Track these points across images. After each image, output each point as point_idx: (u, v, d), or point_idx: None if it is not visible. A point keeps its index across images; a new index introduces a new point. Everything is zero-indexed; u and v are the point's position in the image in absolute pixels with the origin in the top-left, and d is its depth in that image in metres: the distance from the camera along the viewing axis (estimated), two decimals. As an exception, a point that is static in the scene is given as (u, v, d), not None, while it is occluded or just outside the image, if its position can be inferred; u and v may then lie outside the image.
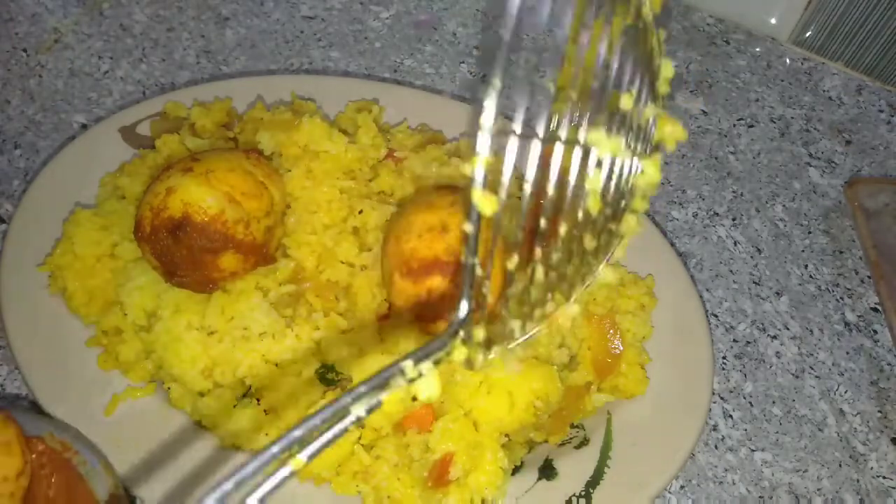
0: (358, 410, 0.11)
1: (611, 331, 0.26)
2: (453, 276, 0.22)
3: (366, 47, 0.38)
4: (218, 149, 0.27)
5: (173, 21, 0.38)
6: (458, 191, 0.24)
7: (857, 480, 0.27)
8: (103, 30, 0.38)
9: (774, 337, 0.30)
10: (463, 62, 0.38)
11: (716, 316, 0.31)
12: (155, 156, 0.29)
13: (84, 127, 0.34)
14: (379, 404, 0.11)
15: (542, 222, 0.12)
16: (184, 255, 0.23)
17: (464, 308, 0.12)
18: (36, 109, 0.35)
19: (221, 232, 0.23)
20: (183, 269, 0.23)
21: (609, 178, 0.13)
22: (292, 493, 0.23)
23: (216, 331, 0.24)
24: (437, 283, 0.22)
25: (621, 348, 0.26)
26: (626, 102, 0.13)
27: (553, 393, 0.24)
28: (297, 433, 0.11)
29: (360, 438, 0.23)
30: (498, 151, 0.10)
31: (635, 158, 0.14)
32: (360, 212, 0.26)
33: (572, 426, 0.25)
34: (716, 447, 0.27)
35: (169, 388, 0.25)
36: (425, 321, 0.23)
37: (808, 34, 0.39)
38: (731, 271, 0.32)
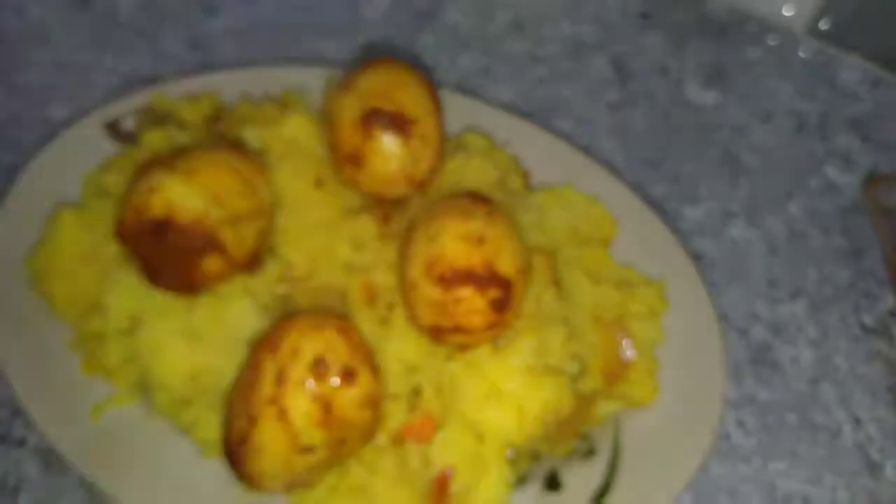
0: None
1: (620, 336, 0.25)
2: (485, 291, 0.21)
3: (361, 37, 0.36)
4: (204, 145, 0.26)
5: (160, 11, 0.37)
6: (491, 202, 0.23)
7: (873, 490, 0.26)
8: (88, 21, 0.36)
9: (789, 341, 0.29)
10: (464, 53, 0.36)
11: (729, 319, 0.29)
12: (140, 151, 0.28)
13: (68, 122, 0.33)
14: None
15: None
16: (166, 257, 0.22)
17: None
18: (19, 104, 0.33)
19: (206, 232, 0.22)
20: (166, 272, 0.22)
21: None
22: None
23: (202, 336, 0.23)
24: (468, 294, 0.21)
25: (633, 354, 0.25)
26: None
27: (564, 404, 0.23)
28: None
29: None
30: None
31: None
32: (356, 216, 0.25)
33: (579, 436, 0.24)
34: (728, 457, 0.26)
35: (153, 396, 0.24)
36: (443, 332, 0.22)
37: (823, 25, 0.37)
38: (744, 273, 0.31)
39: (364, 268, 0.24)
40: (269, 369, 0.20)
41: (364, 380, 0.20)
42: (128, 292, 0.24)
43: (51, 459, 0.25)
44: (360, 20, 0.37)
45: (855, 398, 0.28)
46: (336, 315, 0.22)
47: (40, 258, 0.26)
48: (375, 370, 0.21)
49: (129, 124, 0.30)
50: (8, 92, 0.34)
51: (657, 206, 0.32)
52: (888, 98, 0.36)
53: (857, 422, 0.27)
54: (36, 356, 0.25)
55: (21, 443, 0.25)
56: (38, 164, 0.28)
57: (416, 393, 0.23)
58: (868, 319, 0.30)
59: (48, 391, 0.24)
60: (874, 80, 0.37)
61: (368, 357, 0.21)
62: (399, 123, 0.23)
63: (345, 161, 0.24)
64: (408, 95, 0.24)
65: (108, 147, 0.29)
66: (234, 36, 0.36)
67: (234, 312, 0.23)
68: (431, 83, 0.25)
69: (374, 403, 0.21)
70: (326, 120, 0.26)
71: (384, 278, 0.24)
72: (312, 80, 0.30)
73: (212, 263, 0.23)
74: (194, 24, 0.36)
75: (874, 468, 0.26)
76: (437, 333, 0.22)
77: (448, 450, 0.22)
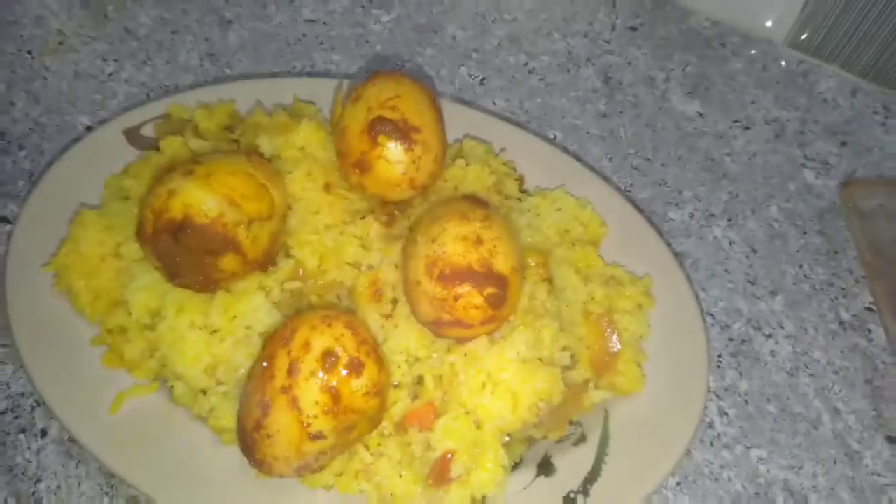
0: None
1: (608, 329, 0.26)
2: (483, 288, 0.22)
3: (367, 50, 0.38)
4: (220, 151, 0.28)
5: (177, 24, 0.39)
6: (488, 205, 0.25)
7: (853, 477, 0.27)
8: (107, 32, 0.38)
9: (769, 336, 0.30)
10: (462, 65, 0.38)
11: (711, 315, 0.31)
12: (158, 157, 0.29)
13: (88, 129, 0.35)
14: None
15: None
16: (185, 257, 0.23)
17: None
18: (40, 111, 0.35)
19: (222, 234, 0.23)
20: (184, 271, 0.24)
21: None
22: (295, 496, 0.23)
23: (219, 330, 0.25)
24: (466, 291, 0.22)
25: (619, 347, 0.26)
26: None
27: (556, 394, 0.24)
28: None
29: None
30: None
31: None
32: (363, 218, 0.26)
33: (571, 423, 0.25)
34: (712, 444, 0.27)
35: (172, 386, 0.25)
36: (443, 326, 0.23)
37: (803, 37, 0.39)
38: (726, 271, 0.32)
39: (370, 266, 0.26)
40: (281, 361, 0.21)
41: (370, 371, 0.22)
42: (148, 290, 0.25)
43: (71, 449, 0.26)
44: (366, 34, 0.39)
45: (833, 390, 0.29)
46: (344, 310, 0.24)
47: (63, 257, 0.27)
48: (381, 361, 0.23)
49: (148, 131, 0.31)
50: (30, 100, 0.35)
51: (644, 209, 0.34)
52: (865, 106, 0.38)
53: (836, 412, 0.28)
54: (57, 351, 0.26)
55: (42, 433, 0.26)
56: (61, 169, 0.30)
57: (419, 383, 0.25)
58: (845, 315, 0.31)
59: (69, 384, 0.25)
60: (852, 89, 0.38)
61: (374, 349, 0.23)
62: (402, 132, 0.25)
63: (352, 167, 0.26)
64: (411, 105, 0.26)
65: (128, 153, 0.31)
66: (247, 49, 0.38)
67: (248, 308, 0.25)
68: (433, 93, 0.27)
69: (380, 392, 0.22)
70: (335, 128, 0.27)
71: (388, 276, 0.25)
72: (322, 90, 0.32)
73: (228, 262, 0.24)
74: (209, 37, 0.38)
75: (853, 457, 0.27)
76: (437, 327, 0.24)
77: (448, 435, 0.23)
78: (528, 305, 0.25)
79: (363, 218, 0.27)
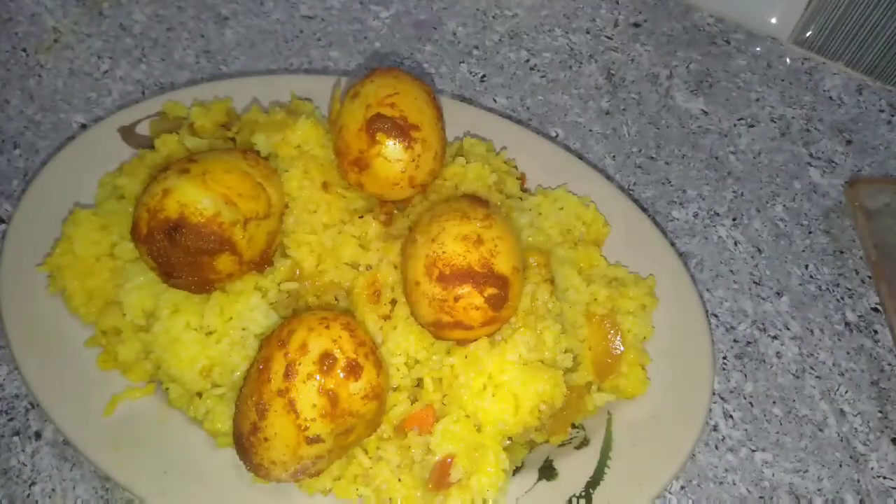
0: None
1: (611, 331, 0.26)
2: (483, 288, 0.22)
3: (365, 47, 0.38)
4: (216, 149, 0.27)
5: (173, 21, 0.38)
6: (489, 204, 0.24)
7: (858, 481, 0.27)
8: (103, 29, 0.38)
9: (775, 337, 0.30)
10: (463, 62, 0.38)
11: (716, 316, 0.31)
12: (154, 155, 0.29)
13: (83, 127, 0.34)
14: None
15: None
16: (180, 257, 0.23)
17: None
18: (35, 109, 0.35)
19: (217, 233, 0.23)
20: (179, 271, 0.23)
21: None
22: (292, 501, 0.23)
23: (214, 331, 0.24)
24: (466, 292, 0.22)
25: (622, 348, 0.26)
26: None
27: (558, 396, 0.24)
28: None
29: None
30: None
31: None
32: (361, 217, 0.26)
33: (573, 426, 0.25)
34: (716, 447, 0.27)
35: (167, 389, 0.25)
36: (443, 327, 0.23)
37: (808, 34, 0.39)
38: (731, 271, 0.32)
39: (368, 266, 0.25)
40: (278, 363, 0.21)
41: (369, 373, 0.22)
42: (143, 290, 0.25)
43: (66, 452, 0.25)
44: (364, 31, 0.39)
45: (839, 392, 0.29)
46: (342, 312, 0.23)
47: (58, 258, 0.27)
48: (379, 364, 0.22)
49: (143, 129, 0.31)
50: (24, 98, 0.35)
51: (647, 208, 0.33)
52: (871, 104, 0.37)
53: (842, 415, 0.28)
54: (51, 352, 0.26)
55: (37, 436, 0.26)
56: (55, 167, 0.29)
57: (418, 385, 0.24)
58: (851, 316, 0.31)
59: (63, 386, 0.25)
60: (858, 87, 0.38)
61: (373, 351, 0.22)
62: (401, 129, 0.25)
63: (350, 165, 0.26)
64: (410, 102, 0.25)
65: (124, 151, 0.30)
66: (243, 45, 0.37)
67: (245, 309, 0.24)
68: (432, 91, 0.27)
69: (379, 395, 0.22)
70: (333, 126, 0.27)
71: (387, 276, 0.25)
72: (319, 87, 0.32)
73: (224, 262, 0.24)
74: (205, 34, 0.38)
75: (859, 460, 0.27)
76: (437, 329, 0.23)
77: (448, 439, 0.23)
78: (529, 306, 0.25)
79: (361, 217, 0.26)
